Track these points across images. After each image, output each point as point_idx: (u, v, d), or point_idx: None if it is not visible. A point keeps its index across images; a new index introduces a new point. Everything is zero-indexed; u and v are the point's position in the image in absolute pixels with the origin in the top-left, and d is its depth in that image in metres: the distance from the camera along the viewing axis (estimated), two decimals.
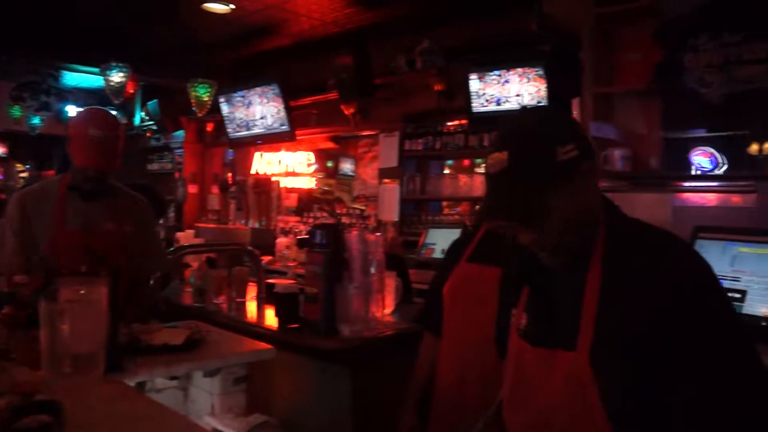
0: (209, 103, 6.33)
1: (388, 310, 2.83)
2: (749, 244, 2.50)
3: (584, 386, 1.11)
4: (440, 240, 4.54)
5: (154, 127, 7.92)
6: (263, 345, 2.19)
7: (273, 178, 7.01)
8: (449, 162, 6.03)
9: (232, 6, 5.10)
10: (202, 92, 6.25)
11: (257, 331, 2.61)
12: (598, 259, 1.16)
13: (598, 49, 3.09)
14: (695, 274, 1.10)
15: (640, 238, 1.17)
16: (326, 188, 7.31)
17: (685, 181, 2.87)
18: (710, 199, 2.78)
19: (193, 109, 6.36)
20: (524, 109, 1.29)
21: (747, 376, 1.04)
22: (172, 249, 3.51)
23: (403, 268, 3.17)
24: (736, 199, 2.71)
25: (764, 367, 1.06)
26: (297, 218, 6.75)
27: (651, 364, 1.06)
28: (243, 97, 6.49)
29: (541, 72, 4.35)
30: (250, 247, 3.55)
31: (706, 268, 1.11)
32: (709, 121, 2.88)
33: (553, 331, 1.20)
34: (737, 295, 2.44)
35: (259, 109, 6.36)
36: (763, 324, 2.35)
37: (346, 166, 7.37)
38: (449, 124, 5.24)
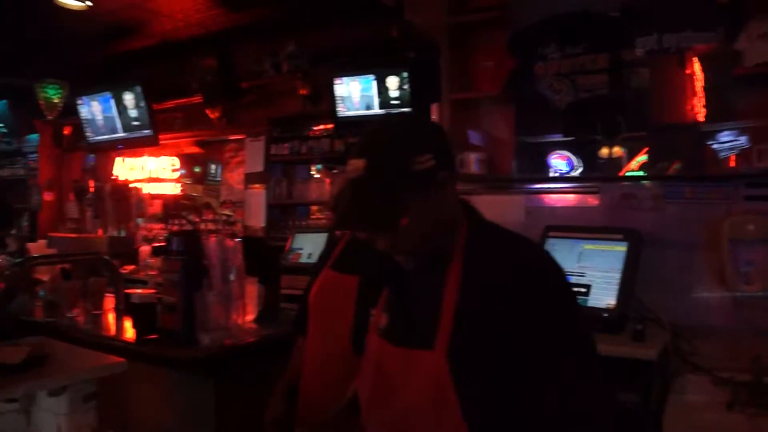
0: (60, 105, 5.98)
1: (250, 317, 2.79)
2: (593, 241, 2.68)
3: (442, 385, 1.13)
4: (307, 245, 4.54)
5: (5, 130, 7.39)
6: (114, 359, 2.10)
7: (136, 185, 6.73)
8: (318, 166, 6.03)
9: (89, 2, 4.85)
10: (52, 93, 5.90)
11: (113, 344, 2.49)
12: (458, 262, 1.19)
13: (455, 56, 3.20)
14: (545, 276, 1.16)
15: (496, 242, 1.21)
16: (194, 194, 7.10)
17: (537, 183, 3.02)
18: (560, 200, 2.94)
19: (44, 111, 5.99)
20: (386, 116, 1.31)
21: (586, 378, 1.10)
22: (19, 260, 3.29)
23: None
24: (583, 199, 2.88)
25: (602, 370, 1.13)
26: (161, 225, 6.51)
27: (506, 364, 1.10)
28: (104, 99, 6.19)
29: (405, 77, 4.45)
30: (105, 257, 3.38)
31: (557, 271, 1.17)
32: (557, 126, 3.05)
33: (413, 331, 1.22)
34: (583, 290, 2.60)
35: (121, 112, 6.10)
36: (605, 315, 2.52)
37: (214, 171, 7.21)
38: (315, 128, 5.25)
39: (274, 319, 2.77)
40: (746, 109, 2.79)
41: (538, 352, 1.08)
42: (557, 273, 1.17)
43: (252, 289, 2.84)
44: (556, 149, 3.13)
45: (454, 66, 3.16)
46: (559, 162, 3.07)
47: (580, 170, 3.10)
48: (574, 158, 3.09)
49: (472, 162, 3.04)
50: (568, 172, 3.06)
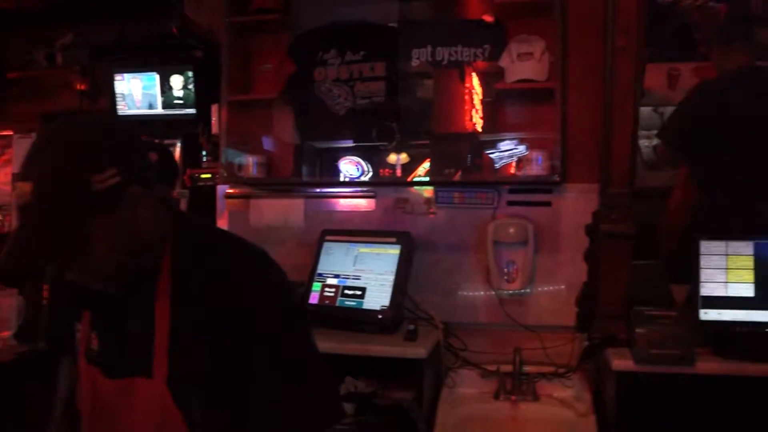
0: None
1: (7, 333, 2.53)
2: (368, 245, 2.74)
3: (167, 413, 1.05)
4: None
5: None
6: None
7: None
8: None
9: None
10: None
11: None
12: (166, 276, 1.08)
13: (235, 57, 3.12)
14: (256, 279, 1.10)
15: (203, 248, 1.12)
16: None
17: (316, 186, 3.04)
18: (339, 204, 2.98)
19: None
20: (58, 125, 1.06)
21: (301, 380, 1.08)
22: None
23: None
24: (361, 203, 2.94)
25: (320, 367, 1.12)
26: None
27: (225, 377, 1.04)
28: None
29: (190, 76, 4.28)
30: None
31: (268, 272, 1.12)
32: (343, 132, 3.09)
33: (128, 357, 1.10)
34: (359, 292, 2.65)
35: None
36: (380, 317, 2.59)
37: None
38: None
39: (37, 335, 2.53)
40: (514, 122, 3.00)
41: (254, 359, 1.04)
42: (269, 273, 1.12)
43: (10, 302, 2.58)
44: (346, 155, 3.16)
45: (234, 67, 3.09)
46: (349, 167, 3.11)
47: (369, 175, 3.16)
48: (364, 164, 3.14)
49: (251, 165, 2.99)
50: (358, 177, 3.11)
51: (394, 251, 2.68)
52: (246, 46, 3.21)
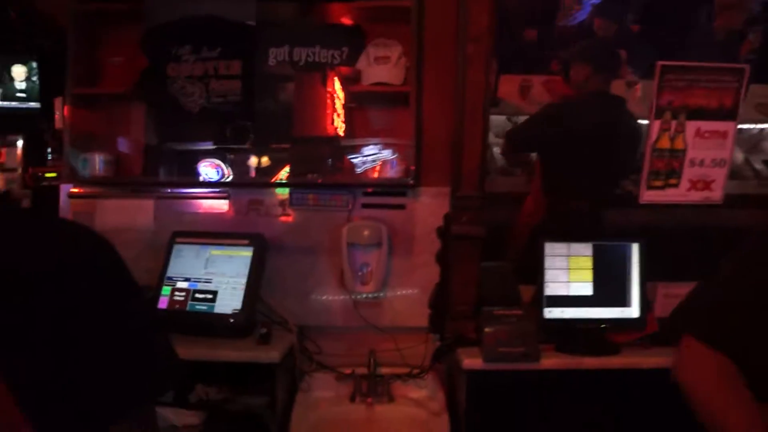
0: None
1: None
2: (220, 247, 2.65)
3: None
4: None
5: None
6: None
7: None
8: None
9: None
10: None
11: None
12: None
13: (81, 47, 2.94)
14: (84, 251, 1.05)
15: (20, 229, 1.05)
16: None
17: (166, 187, 2.91)
18: (191, 205, 2.86)
19: None
20: None
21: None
22: None
23: None
24: (215, 205, 2.84)
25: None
26: None
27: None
28: None
29: (35, 68, 4.00)
30: None
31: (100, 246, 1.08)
32: (190, 130, 2.98)
33: None
34: (210, 296, 2.56)
35: None
36: (231, 321, 2.52)
37: None
38: None
39: None
40: (372, 126, 3.01)
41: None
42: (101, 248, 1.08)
43: None
44: (206, 157, 3.04)
45: (80, 58, 2.90)
46: (209, 170, 3.00)
47: (230, 178, 3.06)
48: (224, 167, 3.03)
49: (97, 163, 2.81)
50: (218, 180, 3.00)
51: (246, 253, 2.61)
52: (94, 37, 3.01)
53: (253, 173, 2.97)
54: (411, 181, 2.66)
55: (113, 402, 1.04)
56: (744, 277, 1.49)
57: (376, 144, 2.88)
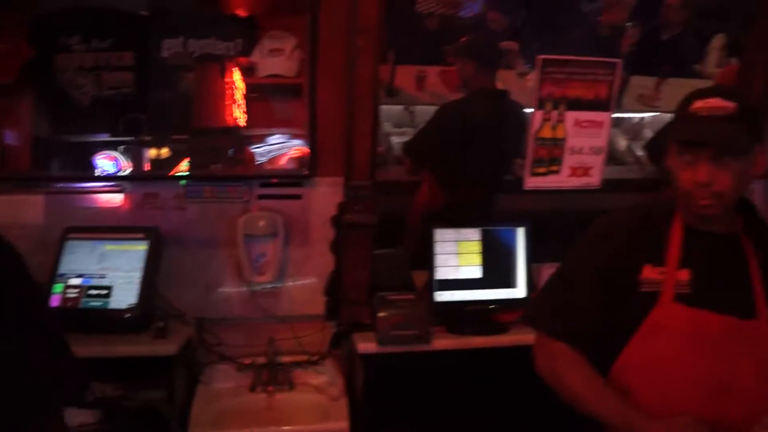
0: None
1: None
2: (115, 242, 2.62)
3: None
4: None
5: None
6: None
7: None
8: None
9: None
10: None
11: None
12: None
13: None
14: None
15: None
16: None
17: (58, 182, 2.84)
18: (84, 199, 2.80)
19: None
20: None
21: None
22: None
23: None
24: (110, 199, 2.79)
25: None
26: None
27: None
28: None
29: None
30: None
31: None
32: (81, 123, 2.92)
33: None
34: (104, 292, 2.53)
35: None
36: (127, 315, 2.49)
37: None
38: None
39: None
40: (270, 117, 3.03)
41: None
42: None
43: None
44: (103, 149, 2.98)
45: None
46: (105, 162, 2.94)
47: (129, 171, 3.01)
48: (122, 159, 2.99)
49: None
50: (115, 173, 2.95)
51: (141, 247, 2.59)
52: None
53: (148, 166, 2.94)
54: (306, 172, 2.71)
55: (19, 408, 1.01)
56: (579, 267, 1.63)
57: (274, 135, 2.92)
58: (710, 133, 1.42)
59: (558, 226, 2.72)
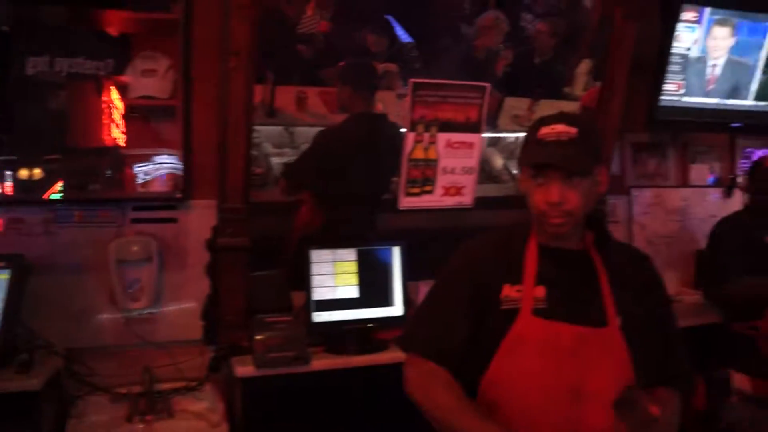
0: None
1: None
2: None
3: None
4: None
5: None
6: None
7: None
8: None
9: None
10: None
11: None
12: None
13: None
14: None
15: None
16: None
17: None
18: None
19: None
20: None
21: None
22: None
23: None
24: None
25: None
26: None
27: None
28: None
29: None
30: None
31: None
32: None
33: None
34: None
35: None
36: None
37: None
38: None
39: None
40: (145, 138, 2.95)
41: None
42: None
43: None
44: None
45: None
46: None
47: None
48: None
49: None
50: None
51: (3, 276, 2.46)
52: None
53: (10, 189, 2.79)
54: (179, 195, 2.66)
55: None
56: (446, 290, 1.70)
57: (152, 156, 2.85)
58: (559, 156, 1.52)
59: (437, 243, 2.81)
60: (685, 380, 1.72)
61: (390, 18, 4.67)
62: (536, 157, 1.55)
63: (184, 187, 2.69)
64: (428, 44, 4.58)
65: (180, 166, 2.72)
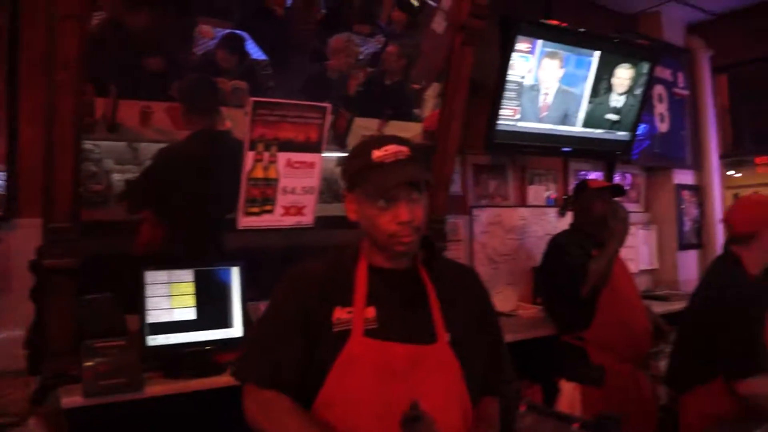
0: None
1: None
2: None
3: None
4: None
5: None
6: None
7: None
8: None
9: None
10: None
11: None
12: None
13: None
14: None
15: None
16: None
17: None
18: None
19: None
20: None
21: None
22: None
23: None
24: None
25: None
26: None
27: None
28: None
29: None
30: None
31: None
32: None
33: None
34: None
35: None
36: None
37: None
38: None
39: None
40: None
41: None
42: None
43: None
44: None
45: None
46: None
47: None
48: None
49: None
50: None
51: None
52: None
53: None
54: (1, 213, 2.50)
55: None
56: (276, 317, 1.70)
57: None
58: (408, 175, 1.55)
59: (278, 263, 2.80)
60: (509, 388, 1.80)
61: (243, 34, 4.61)
62: (386, 180, 1.55)
63: (8, 206, 2.53)
64: (281, 62, 4.54)
65: (2, 183, 2.56)
